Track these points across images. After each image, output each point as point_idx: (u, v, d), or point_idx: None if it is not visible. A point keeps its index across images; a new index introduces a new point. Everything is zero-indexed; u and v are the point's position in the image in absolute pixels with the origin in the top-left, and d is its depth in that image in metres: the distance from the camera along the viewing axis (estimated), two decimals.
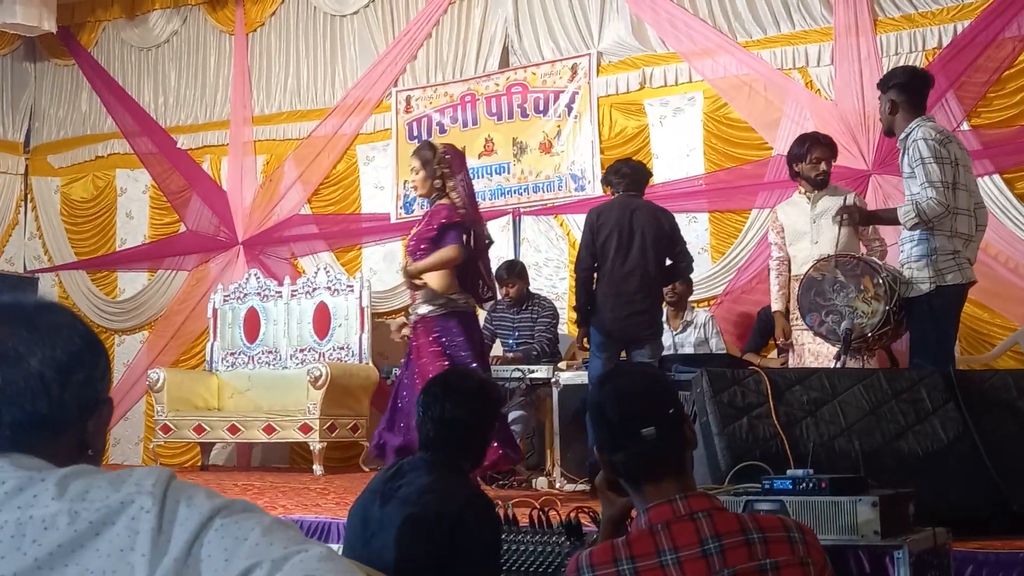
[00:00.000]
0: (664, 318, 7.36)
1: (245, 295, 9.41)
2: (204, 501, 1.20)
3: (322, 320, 8.94)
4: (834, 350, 5.03)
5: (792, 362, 5.89)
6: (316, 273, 9.21)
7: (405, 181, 9.21)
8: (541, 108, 8.78)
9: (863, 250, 5.75)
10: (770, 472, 3.06)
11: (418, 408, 3.02)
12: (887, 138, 5.46)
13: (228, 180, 10.14)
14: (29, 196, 11.30)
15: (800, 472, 2.91)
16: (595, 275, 6.05)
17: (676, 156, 8.22)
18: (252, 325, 9.31)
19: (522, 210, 8.80)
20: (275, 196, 9.86)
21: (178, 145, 10.43)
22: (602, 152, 8.31)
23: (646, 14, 8.42)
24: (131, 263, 10.65)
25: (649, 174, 6.56)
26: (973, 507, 3.66)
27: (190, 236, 10.29)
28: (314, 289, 9.05)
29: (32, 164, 11.34)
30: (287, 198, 9.81)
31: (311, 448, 8.10)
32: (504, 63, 9.07)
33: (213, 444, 9.08)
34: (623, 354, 6.00)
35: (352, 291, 8.82)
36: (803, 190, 5.95)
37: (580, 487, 6.25)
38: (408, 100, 9.41)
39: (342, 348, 8.80)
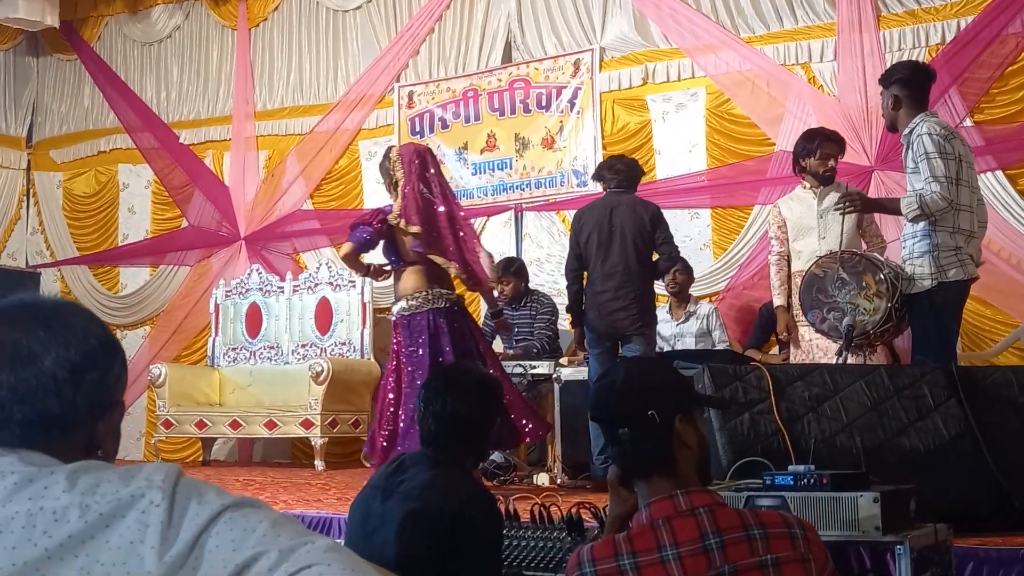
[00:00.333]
0: (667, 308, 7.38)
1: (247, 290, 9.42)
2: (214, 498, 1.21)
3: (324, 315, 8.94)
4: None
5: (798, 357, 5.87)
6: (318, 268, 9.21)
7: None
8: (543, 104, 8.77)
9: (863, 247, 5.74)
10: (771, 468, 3.05)
11: (419, 403, 3.02)
12: (890, 134, 5.44)
13: (230, 175, 10.14)
14: (31, 191, 11.31)
15: (801, 468, 2.90)
16: (584, 275, 6.16)
17: (678, 152, 8.22)
18: (254, 320, 9.31)
19: (524, 206, 8.80)
20: (277, 191, 9.86)
21: (180, 140, 10.44)
22: (604, 148, 8.30)
23: (649, 9, 8.41)
24: (133, 258, 10.66)
25: (642, 172, 6.56)
26: (974, 503, 3.65)
27: (192, 231, 10.30)
28: (316, 284, 9.05)
29: (34, 159, 11.35)
30: (289, 193, 9.81)
31: (312, 444, 8.11)
32: (507, 58, 9.06)
33: (214, 439, 9.10)
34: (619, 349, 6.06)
35: (354, 286, 8.82)
36: (808, 185, 5.92)
37: (581, 483, 6.26)
38: (410, 95, 9.41)
39: (344, 343, 8.80)
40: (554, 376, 6.68)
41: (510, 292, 7.49)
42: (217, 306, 9.51)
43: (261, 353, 9.23)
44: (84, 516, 1.16)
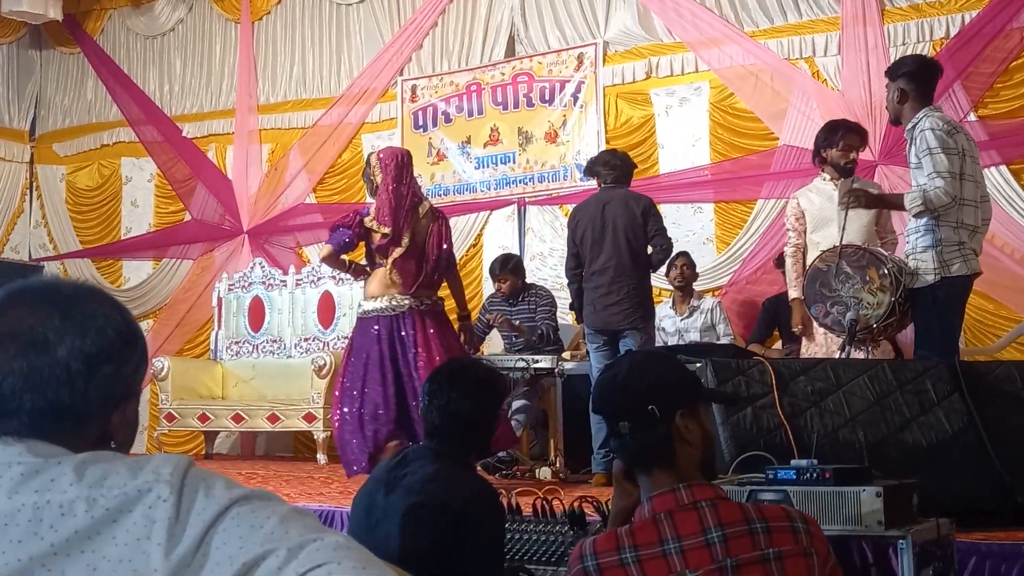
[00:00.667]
0: (671, 303, 7.37)
1: (250, 284, 9.42)
2: (222, 492, 1.19)
3: (327, 309, 8.94)
4: None
5: (811, 350, 5.81)
6: (321, 262, 9.19)
7: None
8: (547, 98, 8.76)
9: (878, 242, 5.70)
10: (774, 462, 3.05)
11: (423, 397, 3.02)
12: (894, 128, 5.42)
13: (233, 169, 10.15)
14: (34, 184, 11.32)
15: (804, 462, 2.90)
16: (583, 273, 6.19)
17: (682, 146, 8.21)
18: (257, 314, 9.32)
19: (527, 200, 8.79)
20: (280, 185, 9.86)
21: (183, 134, 10.45)
22: (608, 142, 8.29)
23: (652, 3, 8.40)
24: (136, 251, 10.67)
25: (634, 165, 6.55)
26: (977, 498, 3.65)
27: (195, 225, 10.30)
28: (319, 278, 9.05)
29: (37, 152, 11.35)
30: (292, 187, 9.82)
31: (315, 437, 8.12)
32: (510, 52, 9.05)
33: (217, 433, 9.10)
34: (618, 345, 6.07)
35: (356, 281, 8.81)
36: (828, 176, 5.84)
37: (583, 477, 6.26)
38: (413, 89, 9.40)
39: (346, 337, 8.78)
40: (556, 370, 6.68)
41: (507, 289, 7.46)
42: (220, 300, 9.52)
43: (264, 347, 9.24)
44: (91, 510, 1.14)
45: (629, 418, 2.09)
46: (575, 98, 8.63)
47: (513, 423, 6.78)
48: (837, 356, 4.88)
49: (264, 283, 9.35)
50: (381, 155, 5.93)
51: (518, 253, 8.44)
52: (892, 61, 5.74)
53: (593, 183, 6.99)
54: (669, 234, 6.20)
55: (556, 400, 6.72)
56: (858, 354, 4.97)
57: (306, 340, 9.01)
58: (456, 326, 6.14)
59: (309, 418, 8.09)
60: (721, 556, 1.93)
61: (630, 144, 7.99)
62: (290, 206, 9.81)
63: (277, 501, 1.21)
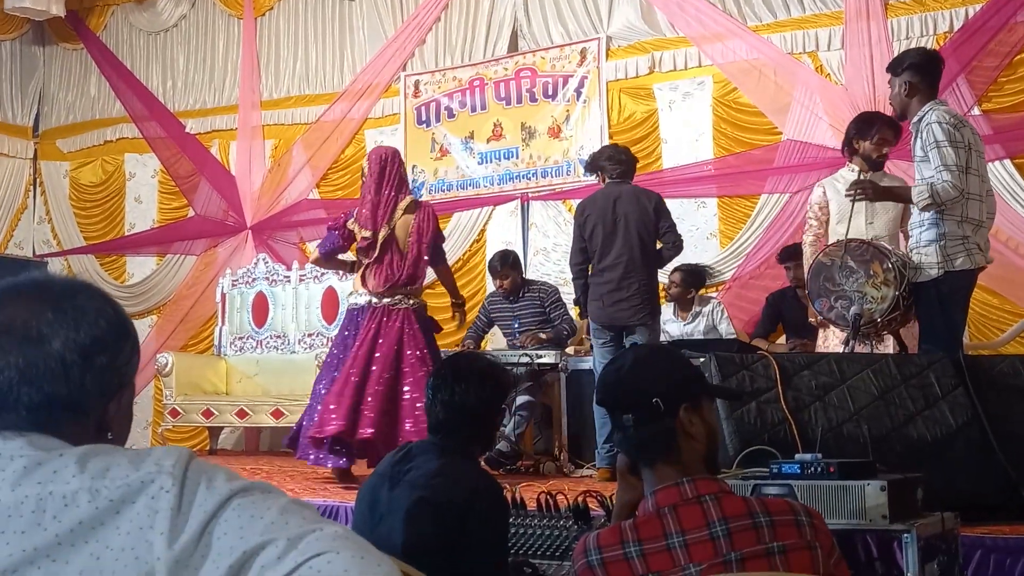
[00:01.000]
0: (672, 309, 7.35)
1: (253, 280, 9.42)
2: (224, 483, 1.20)
3: (330, 305, 8.94)
4: None
5: (831, 340, 5.75)
6: (312, 263, 9.21)
7: (414, 166, 9.21)
8: (550, 92, 8.75)
9: (902, 238, 5.64)
10: (778, 456, 3.05)
11: (427, 391, 3.02)
12: (899, 122, 5.38)
13: (236, 165, 10.15)
14: (38, 180, 11.33)
15: (808, 456, 2.90)
16: (589, 268, 6.16)
17: (685, 141, 8.20)
18: (260, 310, 9.32)
19: (530, 195, 8.79)
20: (283, 181, 9.86)
21: (186, 129, 10.45)
22: (611, 137, 8.28)
23: None
24: (140, 247, 10.68)
25: (636, 161, 6.57)
26: (982, 493, 3.65)
27: (199, 221, 10.31)
28: (323, 274, 9.04)
29: (41, 148, 11.36)
30: (295, 183, 9.82)
31: None
32: (513, 47, 9.05)
33: (221, 428, 9.11)
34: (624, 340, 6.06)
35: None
36: (856, 168, 5.79)
37: (587, 472, 6.26)
38: (417, 84, 9.40)
39: None
40: (560, 365, 6.68)
41: (508, 286, 7.45)
42: (223, 295, 9.52)
43: (267, 342, 9.25)
44: (94, 501, 1.15)
45: (633, 411, 2.09)
46: (578, 93, 8.62)
47: (517, 418, 6.79)
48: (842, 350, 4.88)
49: (268, 279, 9.35)
50: (369, 156, 6.16)
51: (521, 248, 8.44)
52: (895, 55, 5.71)
53: (595, 178, 6.98)
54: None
55: (560, 395, 6.72)
56: (862, 348, 4.96)
57: (310, 336, 9.02)
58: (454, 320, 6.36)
59: None
60: (725, 550, 1.93)
61: (633, 139, 7.99)
62: (293, 202, 9.82)
63: (277, 493, 1.23)
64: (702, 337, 7.20)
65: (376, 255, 5.91)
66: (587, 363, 6.52)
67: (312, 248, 9.70)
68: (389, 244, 5.92)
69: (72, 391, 1.28)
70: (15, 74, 11.25)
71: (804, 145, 7.60)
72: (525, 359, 6.77)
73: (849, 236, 5.38)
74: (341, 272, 7.76)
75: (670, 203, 6.42)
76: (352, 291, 6.17)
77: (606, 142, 8.13)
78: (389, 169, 6.01)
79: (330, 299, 8.95)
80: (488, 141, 9.01)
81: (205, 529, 1.15)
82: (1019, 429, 3.83)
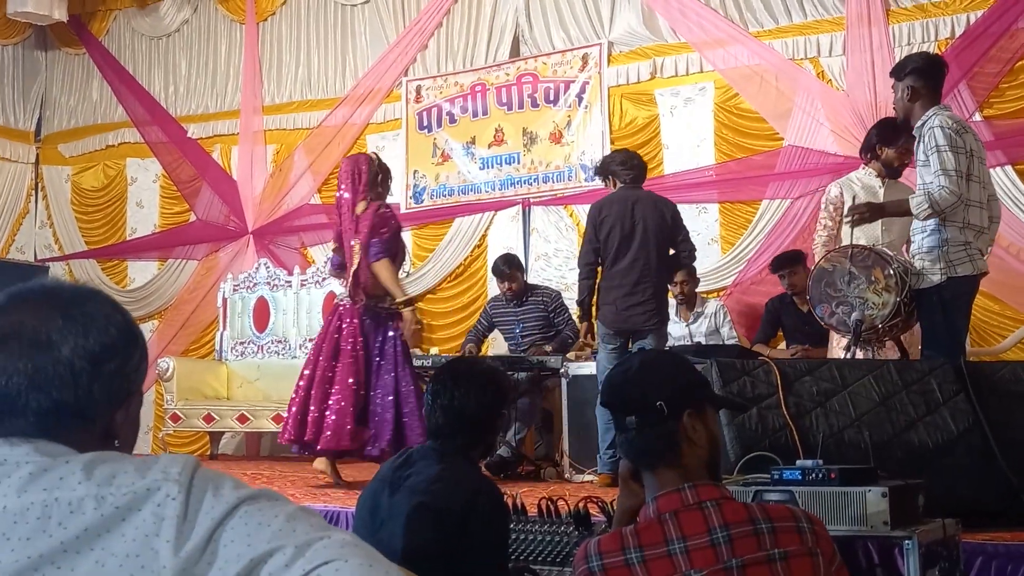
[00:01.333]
0: (674, 310, 7.36)
1: (255, 284, 9.43)
2: (230, 491, 1.20)
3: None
4: None
5: (842, 343, 5.72)
6: (326, 263, 9.19)
7: (415, 171, 9.22)
8: (551, 98, 8.76)
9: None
10: (779, 463, 3.05)
11: (427, 396, 3.02)
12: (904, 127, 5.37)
13: (238, 169, 10.15)
14: (40, 185, 11.33)
15: (809, 463, 2.90)
16: (599, 269, 6.11)
17: (687, 146, 8.20)
18: (262, 314, 9.33)
19: (532, 200, 8.79)
20: (285, 186, 9.87)
21: (188, 134, 10.45)
22: (612, 142, 8.28)
23: (657, 3, 8.39)
24: (141, 252, 10.68)
25: (647, 167, 6.59)
26: (983, 499, 3.65)
27: (200, 225, 10.31)
28: (324, 279, 9.06)
29: (43, 153, 11.36)
30: (297, 188, 9.82)
31: None
32: (515, 53, 9.05)
33: (222, 433, 9.11)
34: (630, 346, 6.03)
35: None
36: (874, 172, 5.78)
37: (588, 477, 6.25)
38: (418, 90, 9.40)
39: None
40: (561, 371, 6.67)
41: (514, 288, 7.47)
42: (225, 300, 9.53)
43: (269, 347, 9.25)
44: (100, 508, 1.15)
45: (637, 413, 2.09)
46: (580, 98, 8.62)
47: (517, 425, 6.80)
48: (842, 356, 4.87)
49: (269, 284, 9.36)
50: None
51: (523, 254, 8.44)
52: (898, 60, 5.70)
53: (598, 183, 6.99)
54: None
55: (561, 400, 6.72)
56: (863, 354, 4.96)
57: (311, 340, 8.98)
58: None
59: None
60: (726, 556, 1.92)
61: (635, 144, 7.98)
62: (295, 207, 9.82)
63: (284, 501, 1.22)
64: (704, 339, 7.21)
65: (340, 261, 6.20)
66: (588, 368, 6.50)
67: (313, 253, 9.74)
68: (344, 250, 6.12)
69: (80, 398, 1.28)
70: (17, 78, 11.26)
71: (805, 151, 7.60)
72: (526, 364, 6.78)
73: (863, 242, 5.38)
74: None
75: None
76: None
77: (607, 148, 8.14)
78: (356, 176, 6.16)
79: (331, 304, 8.93)
80: (489, 146, 9.01)
81: (212, 536, 1.15)
82: (1020, 435, 3.82)
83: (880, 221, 5.44)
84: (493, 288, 8.18)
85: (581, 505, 3.47)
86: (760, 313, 7.42)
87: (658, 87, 8.38)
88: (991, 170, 5.51)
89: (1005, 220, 5.94)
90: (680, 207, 6.39)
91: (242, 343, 9.38)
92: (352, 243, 5.99)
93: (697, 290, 7.42)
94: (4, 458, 1.21)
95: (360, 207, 6.05)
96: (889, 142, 5.65)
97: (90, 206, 11.01)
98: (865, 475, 2.88)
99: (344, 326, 5.98)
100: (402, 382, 5.83)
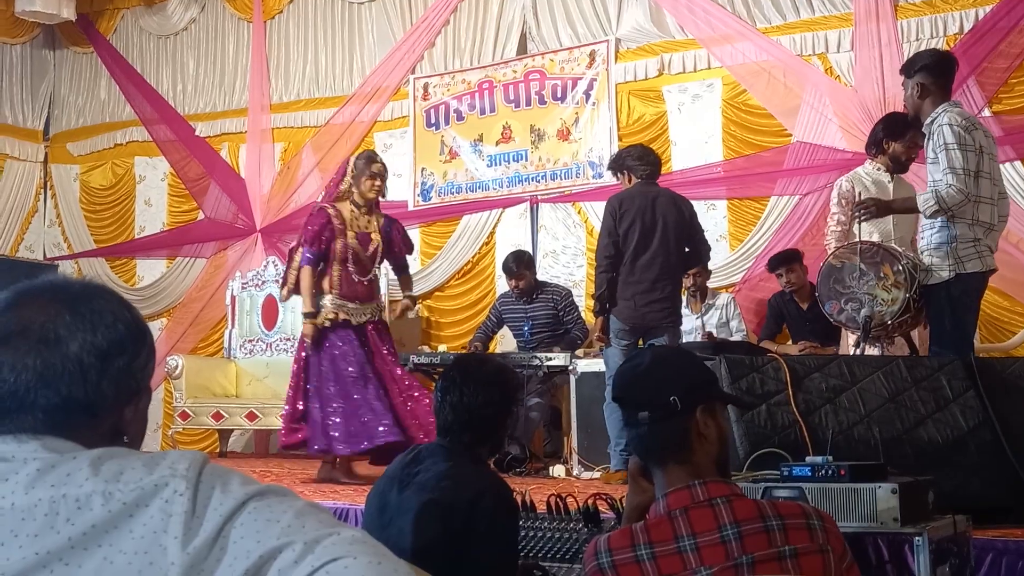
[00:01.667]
0: (684, 303, 7.35)
1: (263, 282, 9.44)
2: (238, 487, 1.19)
3: None
4: None
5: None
6: None
7: (423, 168, 9.22)
8: (559, 95, 8.75)
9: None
10: (789, 459, 3.05)
11: (436, 394, 3.02)
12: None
13: (246, 167, 10.17)
14: (48, 184, 11.36)
15: (819, 459, 2.89)
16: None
17: (694, 143, 8.19)
18: (270, 312, 9.33)
19: (539, 198, 8.79)
20: (293, 183, 9.88)
21: (196, 133, 10.46)
22: (620, 139, 8.28)
23: (665, 0, 8.38)
24: (150, 250, 10.70)
25: (661, 163, 6.58)
26: (993, 495, 3.64)
27: (208, 223, 10.33)
28: None
29: (51, 152, 11.39)
30: (305, 186, 9.83)
31: None
32: (522, 50, 9.05)
33: (231, 431, 9.11)
34: (640, 342, 6.01)
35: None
36: (881, 167, 5.76)
37: (597, 474, 6.25)
38: (426, 87, 9.40)
39: None
40: (570, 368, 6.67)
41: (523, 286, 7.47)
42: (233, 298, 9.54)
43: (277, 345, 9.26)
44: (107, 504, 1.15)
45: (649, 408, 2.09)
46: (587, 95, 8.62)
47: (526, 421, 6.80)
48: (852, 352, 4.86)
49: (277, 281, 9.32)
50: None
51: (531, 251, 8.43)
52: (906, 57, 5.69)
53: (606, 180, 6.97)
54: None
55: (569, 398, 6.72)
56: (872, 351, 4.95)
57: None
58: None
59: None
60: (736, 553, 1.92)
61: (642, 141, 7.94)
62: (303, 205, 9.81)
63: (292, 497, 1.22)
64: (715, 331, 7.21)
65: None
66: (597, 365, 6.49)
67: None
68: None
69: (89, 394, 1.28)
70: (26, 78, 11.29)
71: (814, 147, 7.58)
72: (535, 362, 6.78)
73: (875, 237, 5.36)
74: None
75: None
76: None
77: (615, 144, 8.13)
78: (338, 177, 6.43)
79: None
80: (497, 144, 9.01)
81: (220, 532, 1.15)
82: None
83: (891, 216, 5.43)
84: (501, 285, 8.18)
85: (590, 502, 3.46)
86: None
87: (666, 84, 8.37)
88: (1000, 166, 5.49)
89: (1014, 215, 5.93)
90: (692, 203, 6.39)
91: (251, 341, 9.39)
92: None
93: (708, 283, 7.42)
94: (12, 454, 1.20)
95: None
96: (896, 136, 5.63)
97: (99, 205, 11.03)
98: (875, 471, 2.88)
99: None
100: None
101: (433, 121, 9.32)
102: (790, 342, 7.15)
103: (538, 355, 6.89)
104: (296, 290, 6.26)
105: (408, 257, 6.66)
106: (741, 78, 8.02)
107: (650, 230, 5.93)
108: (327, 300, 6.15)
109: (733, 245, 8.00)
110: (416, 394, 6.05)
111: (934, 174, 4.64)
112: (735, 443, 3.53)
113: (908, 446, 3.63)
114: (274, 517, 1.17)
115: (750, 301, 7.76)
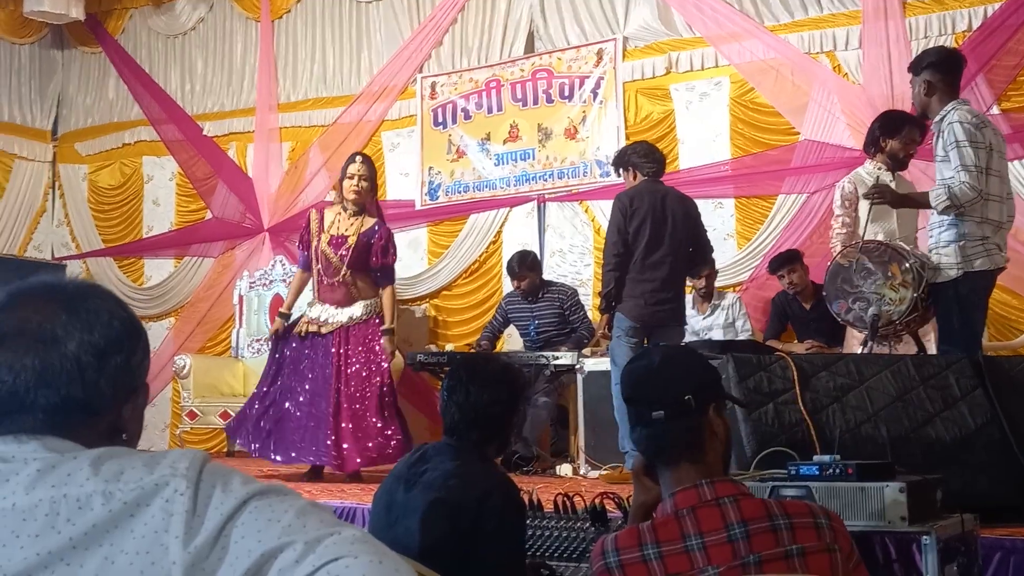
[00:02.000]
0: (691, 303, 7.35)
1: (271, 281, 9.45)
2: (239, 486, 1.20)
3: None
4: None
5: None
6: None
7: (430, 167, 9.22)
8: (566, 93, 8.74)
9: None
10: (796, 458, 3.04)
11: (442, 392, 3.02)
12: (923, 121, 5.34)
13: (254, 167, 10.17)
14: (57, 183, 11.38)
15: (827, 458, 2.89)
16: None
17: (702, 141, 8.18)
18: (277, 311, 9.32)
19: (547, 196, 8.78)
20: (300, 183, 9.88)
21: (204, 132, 10.47)
22: (628, 137, 8.25)
23: None
24: (157, 250, 10.72)
25: (666, 160, 6.58)
26: (1001, 494, 3.62)
27: (216, 223, 10.34)
28: None
29: (60, 151, 11.41)
30: (312, 185, 9.83)
31: None
32: (529, 48, 9.04)
33: None
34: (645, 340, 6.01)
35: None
36: (883, 166, 5.74)
37: (604, 473, 6.25)
38: (433, 86, 9.40)
39: None
40: (577, 367, 6.67)
41: (527, 288, 7.45)
42: (241, 297, 9.55)
43: None
44: (108, 504, 1.15)
45: (664, 406, 2.08)
46: (595, 94, 8.61)
47: (533, 420, 6.80)
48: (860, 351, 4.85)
49: (285, 281, 9.35)
50: None
51: (538, 250, 8.42)
52: (914, 55, 5.67)
53: (613, 178, 6.96)
54: None
55: (576, 397, 6.71)
56: (880, 350, 4.94)
57: None
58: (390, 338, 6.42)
59: None
60: (744, 552, 1.92)
61: (650, 140, 7.92)
62: (311, 204, 9.81)
63: (294, 495, 1.22)
64: (722, 331, 7.21)
65: None
66: (603, 364, 6.48)
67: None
68: None
69: (88, 393, 1.28)
70: (34, 78, 11.31)
71: (822, 145, 7.57)
72: (542, 360, 6.78)
73: (881, 236, 5.34)
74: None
75: None
76: None
77: (623, 143, 8.10)
78: (338, 179, 6.56)
79: None
80: (504, 142, 9.01)
81: (222, 531, 1.15)
82: None
83: (895, 215, 5.42)
84: (508, 285, 8.18)
85: (597, 501, 3.46)
86: None
87: (673, 82, 8.36)
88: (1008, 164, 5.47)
89: (1021, 213, 5.91)
90: (696, 202, 6.38)
91: (258, 340, 9.39)
92: None
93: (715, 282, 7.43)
94: (12, 455, 1.21)
95: None
96: (892, 133, 5.60)
97: (107, 204, 11.05)
98: (883, 470, 2.87)
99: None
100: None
101: (440, 120, 9.33)
102: (795, 341, 7.14)
103: (545, 354, 6.89)
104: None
105: (388, 267, 6.38)
106: (749, 76, 8.01)
107: (660, 229, 5.91)
108: (308, 308, 6.38)
109: (740, 243, 7.99)
110: (367, 414, 6.12)
111: (944, 172, 4.63)
112: (743, 441, 3.53)
113: (916, 445, 3.63)
114: (275, 516, 1.17)
115: (758, 300, 7.75)
